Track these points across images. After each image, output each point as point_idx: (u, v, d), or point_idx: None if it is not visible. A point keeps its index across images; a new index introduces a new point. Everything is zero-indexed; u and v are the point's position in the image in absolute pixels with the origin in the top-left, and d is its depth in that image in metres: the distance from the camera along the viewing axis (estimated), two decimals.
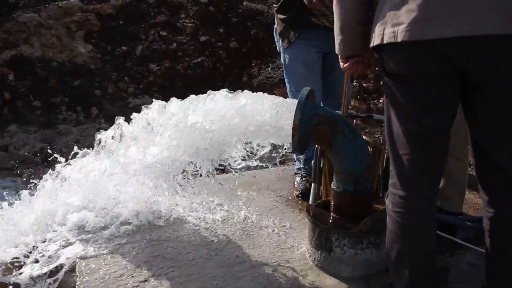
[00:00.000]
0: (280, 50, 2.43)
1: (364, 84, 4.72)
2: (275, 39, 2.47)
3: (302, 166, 2.52)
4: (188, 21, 5.31)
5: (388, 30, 1.18)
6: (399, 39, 1.15)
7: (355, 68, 1.44)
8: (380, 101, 4.50)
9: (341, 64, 1.47)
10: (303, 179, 2.48)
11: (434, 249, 1.36)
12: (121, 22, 5.12)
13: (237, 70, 4.93)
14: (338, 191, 1.71)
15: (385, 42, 1.19)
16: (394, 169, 1.32)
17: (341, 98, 2.47)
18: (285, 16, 2.27)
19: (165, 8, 5.41)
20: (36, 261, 1.78)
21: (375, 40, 1.24)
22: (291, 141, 1.54)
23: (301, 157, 2.50)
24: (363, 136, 1.77)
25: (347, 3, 1.32)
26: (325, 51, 2.31)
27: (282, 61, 2.41)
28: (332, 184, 1.76)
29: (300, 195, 2.43)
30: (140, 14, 5.27)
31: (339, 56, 1.45)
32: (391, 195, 1.34)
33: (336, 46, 1.41)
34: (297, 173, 2.55)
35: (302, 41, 2.26)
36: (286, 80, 2.43)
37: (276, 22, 2.39)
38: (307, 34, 2.24)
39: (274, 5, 2.42)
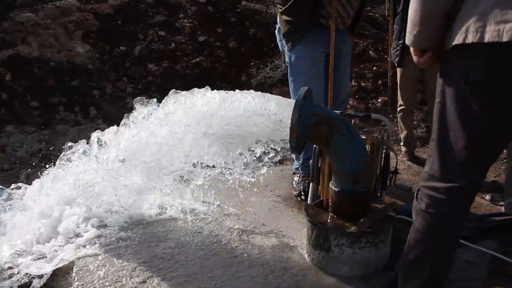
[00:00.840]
0: (284, 49, 2.39)
1: (362, 84, 4.71)
2: (277, 38, 2.44)
3: (300, 165, 2.51)
4: (186, 21, 5.30)
5: (490, 27, 1.07)
6: (505, 39, 1.04)
7: (430, 62, 1.32)
8: (379, 100, 4.50)
9: (415, 58, 1.35)
10: (302, 178, 2.47)
11: (455, 253, 1.36)
12: (120, 22, 5.11)
13: (235, 70, 4.92)
14: (336, 190, 1.71)
15: (486, 40, 1.07)
16: (441, 174, 1.26)
17: (341, 97, 2.47)
18: (291, 19, 2.25)
19: (164, 8, 5.40)
20: (34, 262, 1.77)
21: (469, 37, 1.11)
22: (289, 141, 1.54)
23: (300, 156, 2.49)
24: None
25: None
26: (329, 51, 2.30)
27: (288, 59, 2.36)
28: (330, 184, 1.76)
29: (298, 195, 2.43)
30: (139, 14, 5.26)
31: (413, 49, 1.34)
32: (428, 197, 1.30)
33: (410, 38, 1.29)
34: (296, 173, 2.55)
35: (310, 39, 2.24)
36: (290, 79, 2.37)
37: (279, 22, 2.36)
38: (312, 34, 2.23)
39: (278, 6, 2.37)
